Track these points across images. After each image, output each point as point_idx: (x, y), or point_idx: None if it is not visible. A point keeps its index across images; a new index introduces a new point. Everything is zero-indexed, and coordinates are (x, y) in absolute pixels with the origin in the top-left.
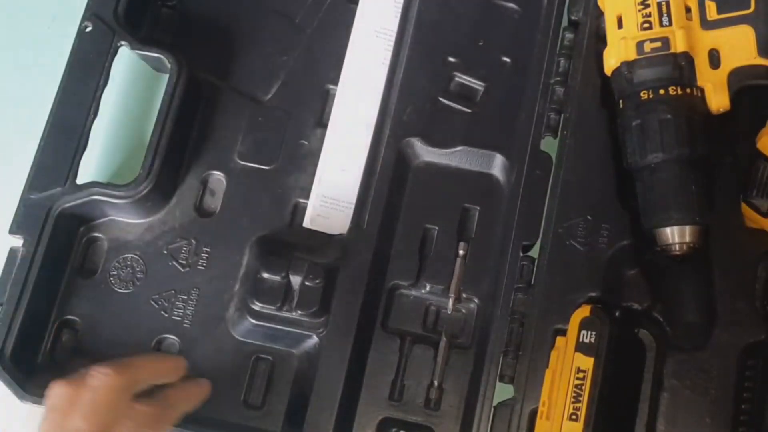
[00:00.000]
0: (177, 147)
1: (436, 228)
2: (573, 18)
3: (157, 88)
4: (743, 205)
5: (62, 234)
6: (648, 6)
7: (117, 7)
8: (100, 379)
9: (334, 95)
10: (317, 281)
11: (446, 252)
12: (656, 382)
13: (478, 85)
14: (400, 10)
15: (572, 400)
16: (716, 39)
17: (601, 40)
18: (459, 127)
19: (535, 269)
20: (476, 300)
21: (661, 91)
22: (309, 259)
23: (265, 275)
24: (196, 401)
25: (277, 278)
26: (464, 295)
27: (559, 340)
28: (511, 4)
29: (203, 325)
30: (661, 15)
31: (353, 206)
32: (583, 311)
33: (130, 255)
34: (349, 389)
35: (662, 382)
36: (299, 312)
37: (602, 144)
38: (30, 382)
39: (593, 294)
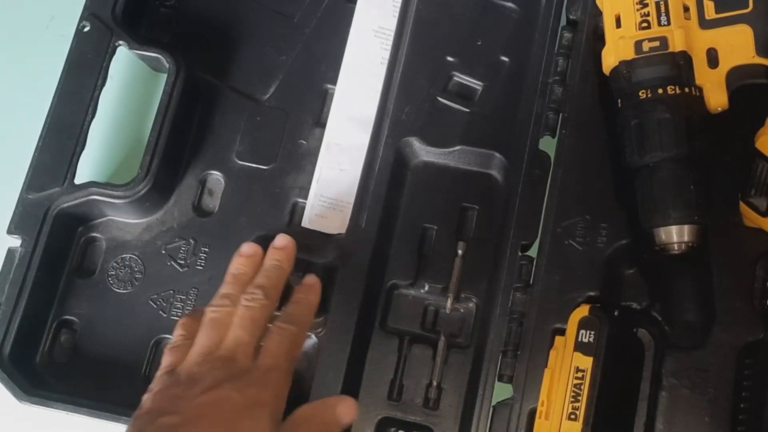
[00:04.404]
0: (175, 147)
1: (435, 227)
2: (571, 17)
3: (155, 88)
4: (742, 205)
5: (60, 234)
6: (646, 5)
7: (115, 7)
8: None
9: (332, 95)
10: None
11: (445, 251)
12: (655, 381)
13: (476, 84)
14: (398, 10)
15: (571, 399)
16: (714, 38)
17: (599, 39)
18: (457, 126)
19: (533, 269)
20: (475, 299)
21: (660, 91)
22: (307, 259)
23: None
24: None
25: None
26: (463, 295)
27: (558, 339)
28: (509, 4)
29: None
30: (659, 14)
31: (352, 206)
32: (582, 311)
33: (128, 255)
34: (348, 389)
35: (661, 381)
36: None
37: (601, 143)
38: (28, 382)
39: (592, 293)
